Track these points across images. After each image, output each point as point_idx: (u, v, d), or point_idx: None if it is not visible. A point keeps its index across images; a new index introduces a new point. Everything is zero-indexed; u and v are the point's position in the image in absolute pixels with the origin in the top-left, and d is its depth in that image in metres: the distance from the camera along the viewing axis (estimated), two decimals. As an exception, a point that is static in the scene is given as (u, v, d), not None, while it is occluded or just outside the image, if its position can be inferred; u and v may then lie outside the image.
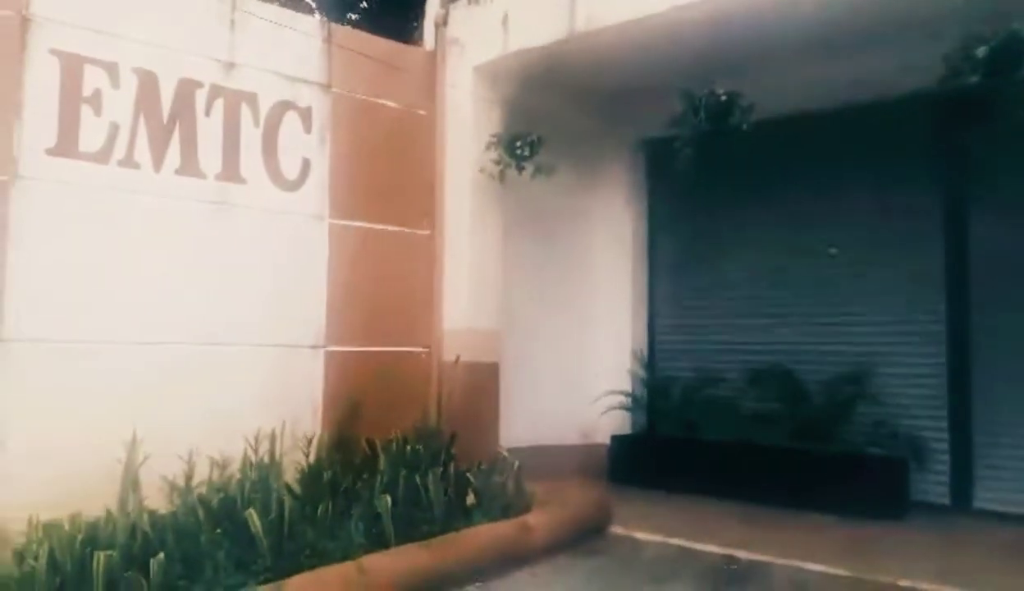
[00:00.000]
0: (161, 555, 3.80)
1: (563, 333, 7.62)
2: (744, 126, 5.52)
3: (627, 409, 7.47)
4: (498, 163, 6.45)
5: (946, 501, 6.07)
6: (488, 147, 6.50)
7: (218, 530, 4.24)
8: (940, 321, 6.21)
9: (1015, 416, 5.86)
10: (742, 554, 4.96)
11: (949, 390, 6.14)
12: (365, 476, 5.14)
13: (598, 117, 7.78)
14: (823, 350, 6.68)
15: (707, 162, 5.88)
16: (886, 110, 6.28)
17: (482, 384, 6.42)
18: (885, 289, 6.47)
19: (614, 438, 7.31)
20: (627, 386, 7.56)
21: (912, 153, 6.36)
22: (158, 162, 5.21)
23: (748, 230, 7.23)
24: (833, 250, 6.70)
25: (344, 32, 6.45)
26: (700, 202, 7.48)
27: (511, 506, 5.28)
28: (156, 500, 4.58)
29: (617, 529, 5.52)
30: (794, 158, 6.88)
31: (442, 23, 6.92)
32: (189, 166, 5.34)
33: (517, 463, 5.53)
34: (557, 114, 7.34)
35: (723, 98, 5.53)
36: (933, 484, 6.11)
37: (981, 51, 4.51)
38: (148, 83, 5.19)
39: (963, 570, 4.63)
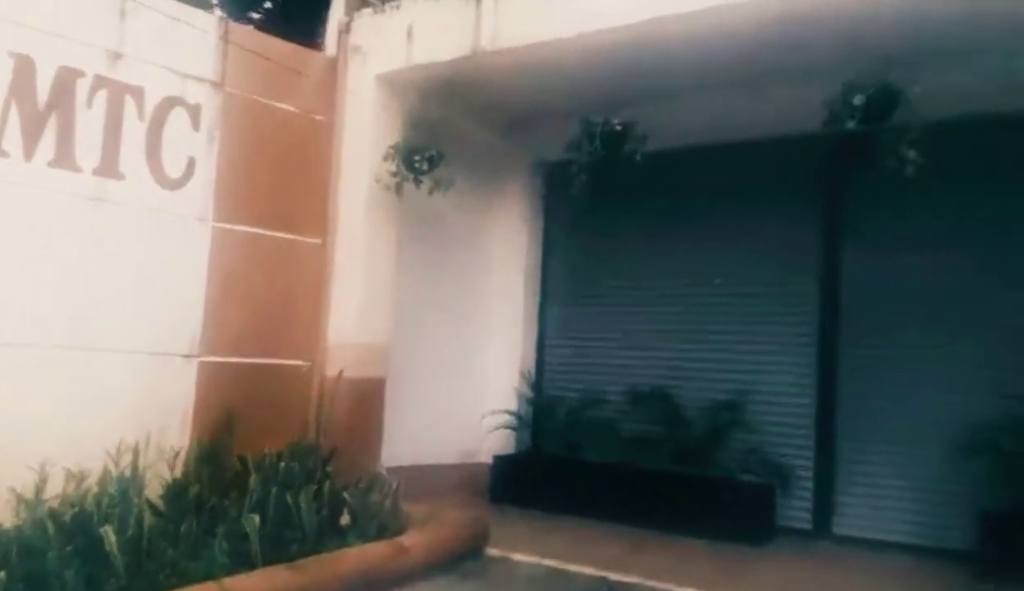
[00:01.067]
0: (1, 573, 3.53)
1: (452, 350, 7.59)
2: (637, 155, 5.66)
3: (512, 429, 7.49)
4: (396, 175, 6.37)
5: (808, 527, 6.35)
6: (386, 158, 6.41)
7: (69, 547, 3.97)
8: (812, 353, 6.52)
9: (874, 445, 6.21)
10: (615, 576, 5.04)
11: (816, 420, 6.44)
12: (234, 493, 4.93)
13: (500, 136, 7.82)
14: (703, 376, 6.89)
15: (601, 188, 5.99)
16: (772, 148, 6.58)
17: (366, 400, 6.29)
18: (763, 319, 6.75)
19: (496, 458, 7.30)
20: (514, 405, 7.58)
21: (794, 191, 6.68)
22: (29, 152, 4.91)
23: (637, 256, 7.42)
24: (717, 280, 6.94)
25: (242, 31, 6.26)
26: (593, 226, 7.64)
27: (387, 526, 5.17)
28: (2, 513, 4.27)
29: (494, 550, 5.50)
30: (684, 189, 7.13)
31: (345, 30, 6.81)
32: (64, 158, 5.05)
33: (396, 482, 5.43)
34: (459, 129, 7.34)
35: (618, 127, 5.65)
36: (797, 510, 6.38)
37: (858, 99, 4.76)
38: (24, 68, 4.88)
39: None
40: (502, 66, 6.32)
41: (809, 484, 6.39)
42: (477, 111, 7.41)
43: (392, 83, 6.61)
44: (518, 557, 5.41)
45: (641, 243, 7.39)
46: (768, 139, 6.56)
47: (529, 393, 7.67)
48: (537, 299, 8.01)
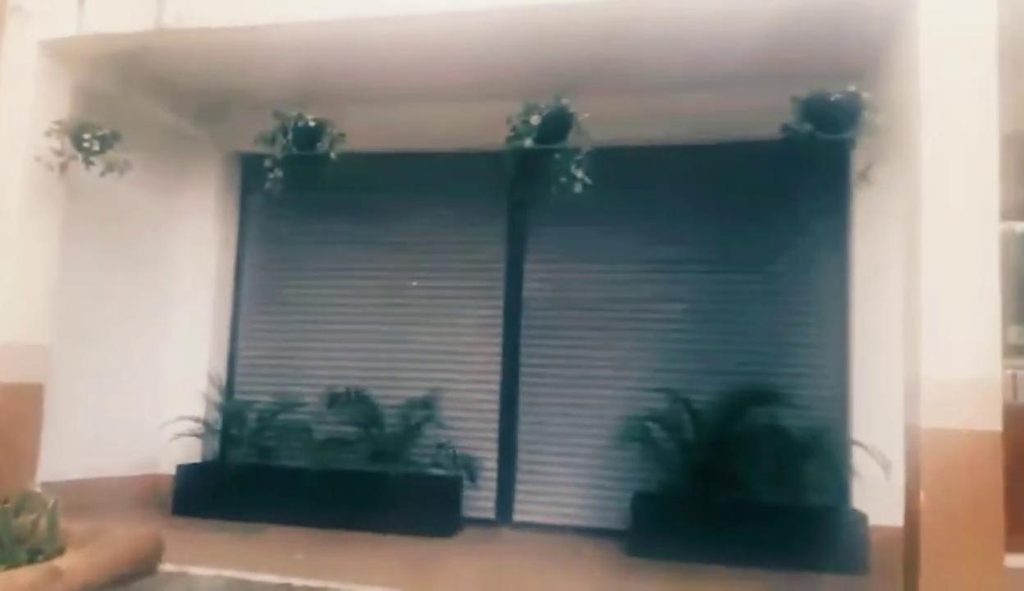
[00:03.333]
0: None
1: (130, 353, 6.97)
2: (333, 154, 5.62)
3: (198, 436, 7.02)
4: (60, 154, 5.68)
5: (492, 516, 6.75)
6: (49, 134, 5.69)
7: None
8: (498, 353, 6.94)
9: (549, 438, 6.77)
10: (299, 581, 4.92)
11: (501, 415, 6.87)
12: None
13: (193, 123, 7.35)
14: (399, 375, 7.04)
15: (299, 185, 5.89)
16: (465, 159, 6.92)
17: (18, 408, 5.51)
18: (455, 321, 7.06)
19: (180, 468, 6.81)
20: (201, 411, 7.11)
21: (486, 201, 7.05)
22: None
23: (335, 256, 7.37)
24: (414, 282, 7.13)
25: None
26: (291, 224, 7.47)
27: (41, 549, 4.59)
28: None
29: (170, 566, 5.11)
30: (384, 191, 7.24)
31: (1, -15, 5.94)
32: None
33: (53, 499, 4.84)
34: (144, 112, 6.80)
35: (313, 123, 5.58)
36: (483, 500, 6.75)
37: (535, 119, 5.17)
38: None
39: (502, 580, 5.22)
40: (193, 48, 5.97)
41: (494, 476, 6.79)
42: (166, 94, 6.91)
43: (60, 52, 5.88)
44: (197, 570, 5.08)
45: (340, 244, 7.36)
46: (464, 150, 6.88)
47: (218, 397, 7.24)
48: (231, 298, 7.58)
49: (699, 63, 5.83)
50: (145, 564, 4.99)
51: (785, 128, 4.89)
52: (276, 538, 6.04)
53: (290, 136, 5.54)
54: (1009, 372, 6.01)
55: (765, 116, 5.07)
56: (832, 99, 4.73)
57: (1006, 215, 4.64)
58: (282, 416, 6.92)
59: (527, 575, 5.41)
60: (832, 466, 5.74)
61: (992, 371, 4.19)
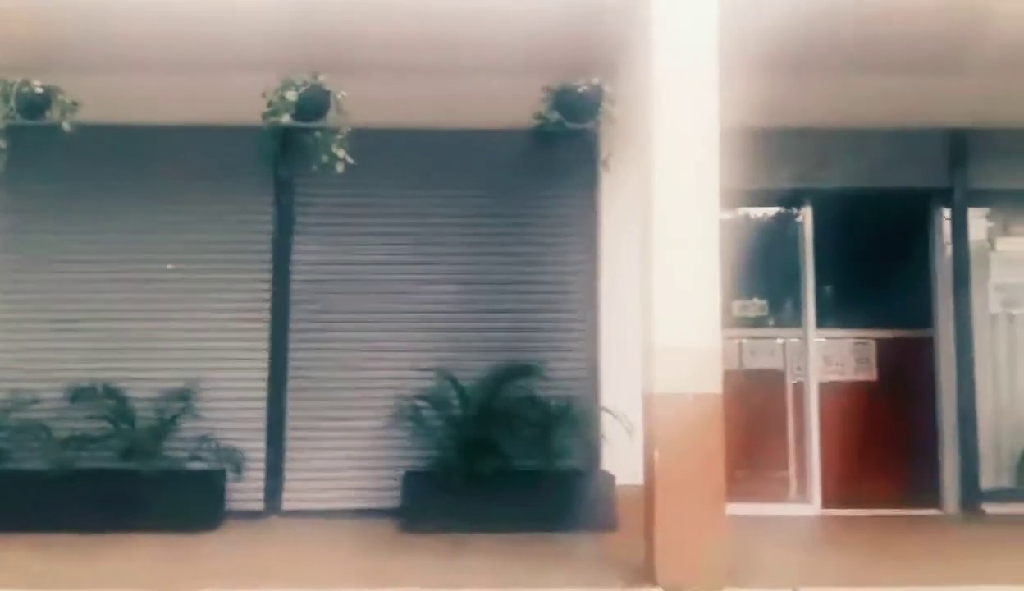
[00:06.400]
0: None
1: None
2: (65, 124, 5.14)
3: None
4: None
5: (260, 507, 6.55)
6: None
7: None
8: (264, 339, 6.72)
9: (320, 423, 6.67)
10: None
11: (268, 403, 6.67)
12: None
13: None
14: (153, 367, 6.60)
15: (33, 158, 5.32)
16: (226, 134, 6.57)
17: None
18: (216, 306, 6.73)
19: None
20: (-84, 415, 6.25)
21: (249, 180, 6.75)
22: None
23: (77, 238, 6.74)
24: (169, 266, 6.71)
25: None
26: (24, 202, 6.69)
27: None
28: None
29: None
30: (134, 167, 6.72)
31: None
32: None
33: None
34: None
35: (39, 90, 5.07)
36: (250, 492, 6.53)
37: (292, 95, 5.05)
38: None
39: (262, 568, 5.09)
40: None
41: (261, 465, 6.58)
42: None
43: None
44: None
45: (79, 224, 6.73)
46: (224, 125, 6.53)
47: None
48: (-50, 286, 6.70)
49: (455, 51, 5.93)
50: None
51: (537, 116, 5.14)
52: (12, 548, 5.47)
53: (12, 104, 4.98)
54: (735, 342, 6.80)
55: (521, 104, 5.28)
56: (579, 91, 5.04)
57: (728, 201, 5.18)
58: (15, 415, 6.26)
59: (289, 561, 5.31)
60: (583, 432, 6.19)
61: (713, 340, 4.68)
